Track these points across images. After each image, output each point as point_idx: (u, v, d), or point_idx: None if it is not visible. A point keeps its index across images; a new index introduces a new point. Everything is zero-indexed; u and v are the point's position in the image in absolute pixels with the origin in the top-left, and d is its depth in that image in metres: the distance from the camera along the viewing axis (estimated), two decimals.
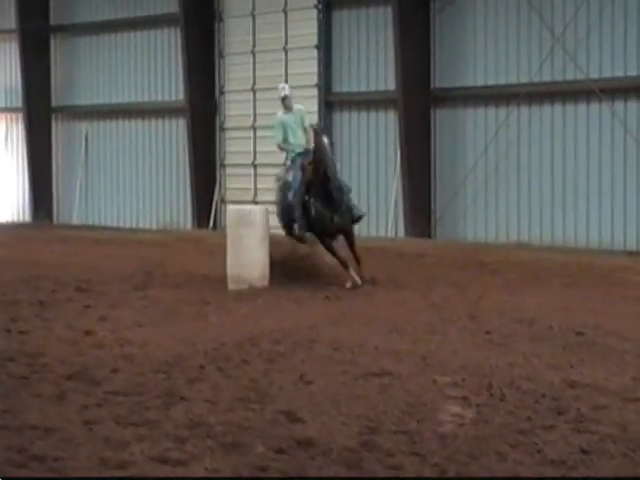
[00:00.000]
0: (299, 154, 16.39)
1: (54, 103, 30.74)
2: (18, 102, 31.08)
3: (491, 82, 22.83)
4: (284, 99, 16.66)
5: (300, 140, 16.49)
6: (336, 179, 16.09)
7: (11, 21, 31.02)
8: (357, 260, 16.43)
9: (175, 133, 27.82)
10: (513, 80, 22.52)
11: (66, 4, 30.30)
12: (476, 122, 23.08)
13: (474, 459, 7.46)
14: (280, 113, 16.87)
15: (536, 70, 21.96)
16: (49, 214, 30.64)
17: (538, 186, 22.17)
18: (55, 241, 25.26)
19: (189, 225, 27.28)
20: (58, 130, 30.79)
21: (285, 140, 16.59)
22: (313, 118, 25.25)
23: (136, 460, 7.46)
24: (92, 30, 29.67)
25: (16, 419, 8.60)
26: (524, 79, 22.26)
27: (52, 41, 30.60)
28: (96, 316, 13.73)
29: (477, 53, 22.98)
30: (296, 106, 16.95)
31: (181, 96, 27.43)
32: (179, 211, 27.84)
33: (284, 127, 16.53)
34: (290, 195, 16.08)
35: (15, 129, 31.74)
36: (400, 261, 19.35)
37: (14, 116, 31.64)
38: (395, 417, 8.55)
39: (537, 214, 22.17)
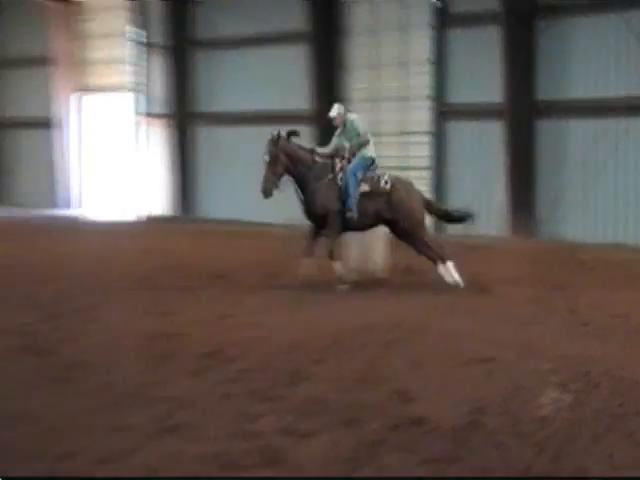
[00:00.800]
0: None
1: (196, 109, 31.01)
2: (168, 109, 31.41)
3: (591, 95, 22.61)
4: (332, 120, 16.23)
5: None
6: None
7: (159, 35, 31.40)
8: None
9: (303, 139, 27.88)
10: (612, 93, 22.28)
11: (207, 21, 30.56)
12: (576, 132, 22.87)
13: (571, 440, 7.42)
14: (338, 131, 16.38)
15: (634, 84, 21.73)
16: (193, 209, 30.90)
17: (634, 191, 21.93)
18: (198, 234, 25.53)
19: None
20: (201, 133, 31.01)
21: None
22: (424, 126, 25.29)
23: (265, 431, 7.53)
24: (230, 44, 29.88)
25: (160, 391, 8.73)
26: (622, 92, 22.02)
27: (195, 54, 30.89)
28: (231, 301, 13.86)
29: (578, 68, 22.77)
30: (349, 117, 16.29)
31: (305, 104, 27.53)
32: (298, 210, 27.85)
33: (338, 141, 16.15)
34: None
35: (165, 132, 32.01)
36: (505, 259, 19.24)
37: (165, 121, 31.92)
38: (499, 400, 8.52)
39: (633, 217, 21.93)
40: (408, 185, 16.05)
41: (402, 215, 15.55)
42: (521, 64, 23.12)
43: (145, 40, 32.46)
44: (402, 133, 25.96)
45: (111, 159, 34.28)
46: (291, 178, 15.81)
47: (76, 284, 15.32)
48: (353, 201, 15.47)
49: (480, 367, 9.83)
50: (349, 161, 15.73)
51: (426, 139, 25.47)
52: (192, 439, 7.32)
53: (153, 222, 29.86)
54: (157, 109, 31.97)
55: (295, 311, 13.14)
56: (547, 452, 7.12)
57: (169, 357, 10.20)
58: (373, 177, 15.70)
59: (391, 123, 26.15)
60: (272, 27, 28.67)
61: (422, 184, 25.35)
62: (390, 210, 15.56)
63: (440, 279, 15.39)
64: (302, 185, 15.80)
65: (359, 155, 15.82)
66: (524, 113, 23.22)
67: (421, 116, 25.54)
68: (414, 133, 25.70)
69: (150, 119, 32.44)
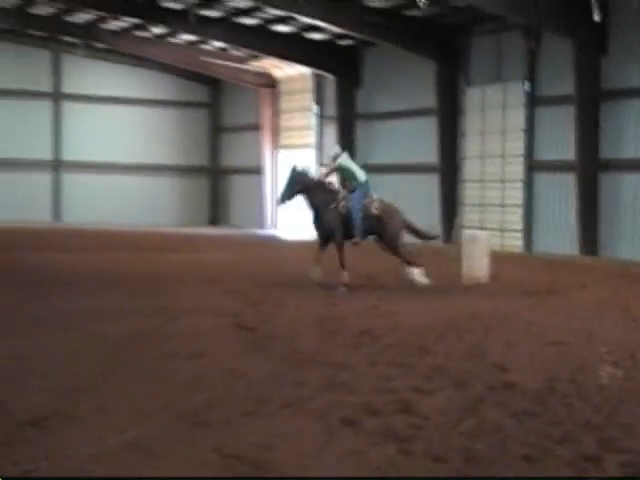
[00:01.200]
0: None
1: (357, 162, 30.99)
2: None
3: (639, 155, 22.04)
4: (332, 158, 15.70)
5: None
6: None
7: (332, 109, 31.53)
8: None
9: (430, 183, 27.72)
10: None
11: (365, 99, 30.61)
12: (629, 181, 22.19)
13: (621, 402, 7.19)
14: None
15: None
16: None
17: None
18: (355, 248, 25.43)
19: (438, 241, 27.03)
20: None
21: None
22: (518, 176, 24.90)
23: (399, 389, 7.47)
24: (381, 117, 29.89)
25: (328, 358, 8.76)
26: None
27: (356, 123, 30.94)
28: (377, 296, 13.82)
29: (630, 136, 22.12)
30: (341, 155, 15.54)
31: (434, 159, 27.37)
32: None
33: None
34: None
35: None
36: (575, 271, 18.82)
37: None
38: (568, 372, 8.31)
39: None
40: (392, 210, 15.46)
41: (384, 231, 15.12)
42: (589, 132, 22.56)
43: (322, 113, 32.76)
44: (502, 181, 25.60)
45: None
46: (305, 200, 15.39)
47: (271, 280, 15.51)
48: (358, 231, 15.05)
49: (555, 348, 9.61)
50: (350, 192, 15.20)
51: (519, 185, 25.07)
52: (349, 393, 7.32)
53: None
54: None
55: (422, 304, 13.05)
56: (603, 411, 6.91)
57: (335, 334, 10.24)
58: (366, 204, 15.11)
59: (494, 174, 25.82)
60: (410, 104, 28.59)
61: (516, 218, 25.03)
62: (377, 227, 15.12)
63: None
64: (313, 208, 15.32)
65: (356, 186, 15.21)
66: (590, 167, 22.64)
67: (516, 168, 25.14)
68: (511, 181, 25.32)
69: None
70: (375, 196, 15.47)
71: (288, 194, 15.37)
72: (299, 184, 15.29)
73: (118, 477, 5.32)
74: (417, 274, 14.95)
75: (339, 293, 14.35)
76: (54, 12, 31.22)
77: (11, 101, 35.02)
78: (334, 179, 16.16)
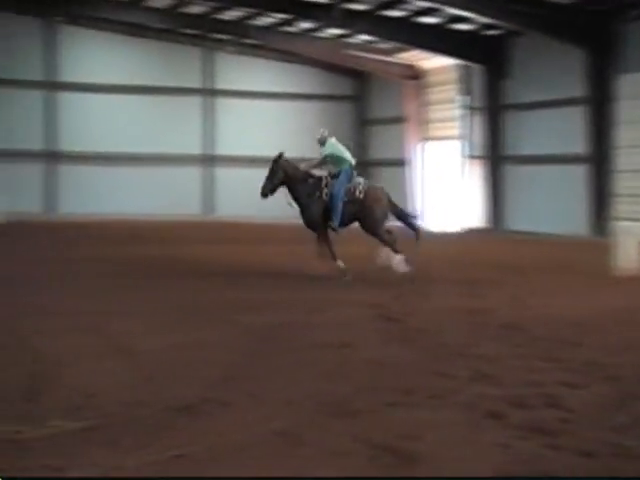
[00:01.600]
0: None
1: (505, 153, 30.53)
2: (485, 153, 31.16)
3: None
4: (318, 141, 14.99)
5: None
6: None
7: (479, 100, 31.13)
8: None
9: (578, 174, 26.97)
10: None
11: (512, 90, 30.05)
12: None
13: None
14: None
15: None
16: (501, 223, 30.45)
17: None
18: (504, 241, 25.13)
19: (586, 233, 26.32)
20: (509, 170, 30.51)
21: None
22: None
23: (546, 382, 7.28)
24: (528, 107, 29.32)
25: (473, 350, 8.63)
26: None
27: (504, 114, 30.42)
28: (524, 287, 13.52)
29: None
30: (329, 140, 14.87)
31: (583, 149, 26.67)
32: (581, 225, 26.86)
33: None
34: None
35: (482, 169, 31.68)
36: None
37: (482, 161, 31.64)
38: None
39: None
40: (378, 192, 14.95)
41: (367, 215, 14.59)
42: None
43: (469, 104, 32.38)
44: None
45: (444, 187, 34.37)
46: (287, 190, 14.88)
47: (415, 272, 15.43)
48: (337, 216, 14.50)
49: None
50: (332, 177, 14.65)
51: None
52: (494, 385, 7.21)
53: (472, 232, 29.69)
54: (476, 153, 31.78)
55: (571, 296, 12.72)
56: None
57: (481, 326, 10.11)
58: (351, 188, 14.58)
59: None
60: (559, 94, 27.93)
61: None
62: (360, 212, 14.60)
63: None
64: (296, 198, 14.86)
65: (340, 170, 14.67)
66: None
67: None
68: None
69: (471, 160, 32.31)
70: (361, 179, 15.06)
71: (270, 186, 14.75)
72: (281, 175, 14.75)
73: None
74: (398, 261, 14.48)
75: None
76: (205, 10, 32.05)
77: (164, 98, 36.16)
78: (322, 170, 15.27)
